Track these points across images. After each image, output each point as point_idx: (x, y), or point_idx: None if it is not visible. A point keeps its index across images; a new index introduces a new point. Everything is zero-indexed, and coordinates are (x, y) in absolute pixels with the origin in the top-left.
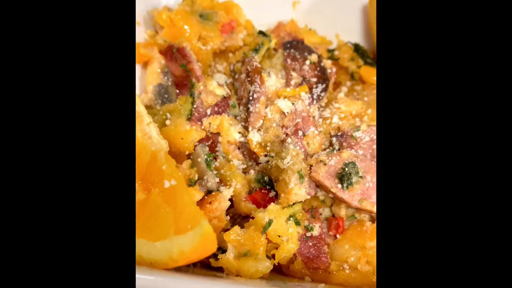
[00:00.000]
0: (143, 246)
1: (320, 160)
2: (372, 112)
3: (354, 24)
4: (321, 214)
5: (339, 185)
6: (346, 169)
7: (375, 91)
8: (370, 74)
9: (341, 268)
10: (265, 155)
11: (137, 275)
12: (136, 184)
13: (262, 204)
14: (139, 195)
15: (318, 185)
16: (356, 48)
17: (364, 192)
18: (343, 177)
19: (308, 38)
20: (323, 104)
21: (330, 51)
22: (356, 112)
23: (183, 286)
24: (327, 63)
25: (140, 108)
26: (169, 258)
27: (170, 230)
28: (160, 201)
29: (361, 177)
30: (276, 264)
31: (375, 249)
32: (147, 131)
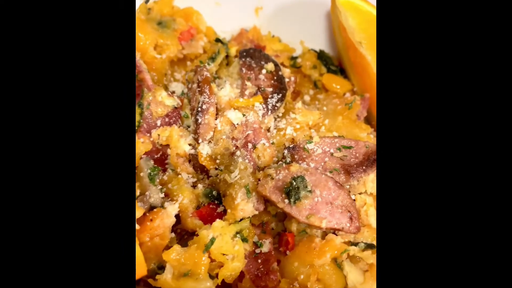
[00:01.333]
0: None
1: (268, 174)
2: (329, 122)
3: (318, 30)
4: (272, 229)
5: (286, 200)
6: (294, 183)
7: (335, 100)
8: (332, 81)
9: (291, 286)
10: (216, 168)
11: None
12: None
13: (209, 220)
14: None
15: (267, 199)
16: (320, 55)
17: (312, 207)
18: (291, 191)
19: (270, 46)
20: (280, 114)
21: (294, 58)
22: (313, 123)
23: None
24: (286, 71)
25: None
26: None
27: None
28: None
29: (310, 191)
30: (220, 284)
31: (326, 266)
32: None
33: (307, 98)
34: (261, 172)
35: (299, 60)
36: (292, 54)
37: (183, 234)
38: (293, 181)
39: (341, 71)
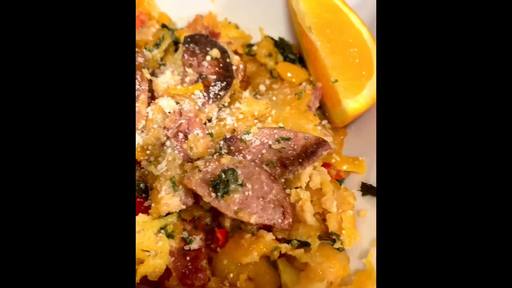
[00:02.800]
0: None
1: (195, 166)
2: (276, 112)
3: (278, 17)
4: (207, 225)
5: (213, 194)
6: (224, 176)
7: (286, 90)
8: (286, 70)
9: (221, 285)
10: (147, 160)
11: None
12: None
13: (136, 214)
14: None
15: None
16: (279, 43)
17: (242, 202)
18: (218, 185)
19: (226, 32)
20: (226, 104)
21: (250, 46)
22: (259, 113)
23: None
24: (235, 59)
25: None
26: None
27: None
28: None
29: (241, 185)
30: (138, 282)
31: (258, 264)
32: None
33: (262, 88)
34: (188, 164)
35: (254, 48)
36: (249, 41)
37: None
38: (223, 174)
39: (301, 60)
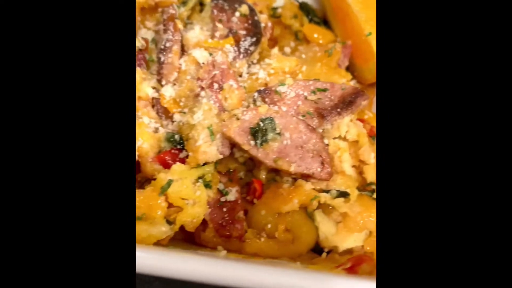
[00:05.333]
0: None
1: (234, 115)
2: (307, 69)
3: None
4: (241, 179)
5: (252, 142)
6: (262, 124)
7: (315, 48)
8: (313, 32)
9: (258, 236)
10: (180, 112)
11: None
12: None
13: (170, 165)
14: None
15: (234, 144)
16: (302, 6)
17: (281, 151)
18: (257, 133)
19: None
20: (254, 61)
21: (274, 9)
22: (290, 69)
23: None
24: (262, 17)
25: None
26: None
27: None
28: None
29: (279, 134)
30: (177, 230)
31: (295, 215)
32: None
33: (287, 49)
34: (226, 113)
35: (279, 11)
36: (273, 4)
37: (142, 182)
38: (261, 122)
39: (324, 23)
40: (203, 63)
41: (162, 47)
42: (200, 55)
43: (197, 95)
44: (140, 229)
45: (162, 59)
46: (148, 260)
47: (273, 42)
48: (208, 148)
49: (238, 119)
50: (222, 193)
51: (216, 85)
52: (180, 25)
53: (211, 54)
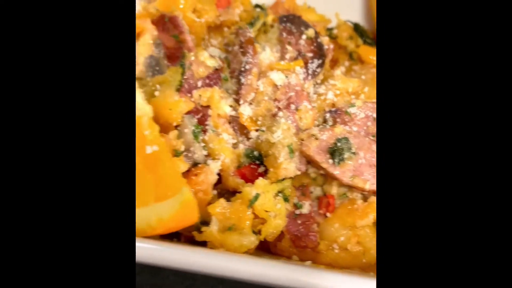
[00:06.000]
0: None
1: (312, 135)
2: (369, 90)
3: (354, 3)
4: (311, 193)
5: (331, 161)
6: (339, 144)
7: (373, 70)
8: (368, 53)
9: (331, 248)
10: (256, 130)
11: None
12: None
13: (250, 179)
14: None
15: (309, 161)
16: (356, 27)
17: (356, 169)
18: (335, 152)
19: (306, 16)
20: (318, 81)
21: (329, 29)
22: (353, 90)
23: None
24: (324, 39)
25: None
26: (148, 226)
27: (150, 197)
28: (141, 167)
29: (354, 153)
30: (263, 240)
31: (366, 229)
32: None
33: (342, 69)
34: (304, 132)
35: (335, 31)
36: (327, 25)
37: (223, 193)
38: (337, 142)
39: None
40: (280, 85)
41: (242, 69)
42: (278, 77)
43: (275, 115)
44: (232, 239)
45: (242, 80)
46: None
47: (333, 62)
48: (288, 165)
49: (316, 138)
50: (296, 206)
51: (292, 106)
52: (258, 49)
53: (286, 77)
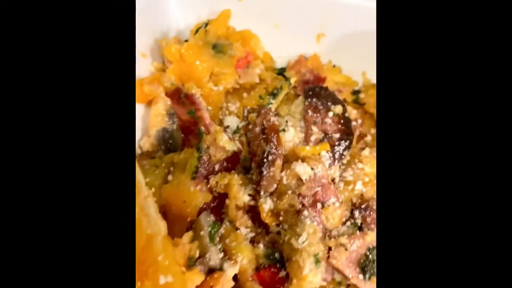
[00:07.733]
0: None
1: (341, 244)
2: None
3: None
4: None
5: (361, 276)
6: (370, 256)
7: None
8: None
9: None
10: (277, 225)
11: None
12: None
13: (270, 285)
14: None
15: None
16: None
17: None
18: (366, 266)
19: (331, 77)
20: (344, 162)
21: (355, 92)
22: None
23: None
24: (352, 113)
25: (138, 177)
26: None
27: None
28: None
29: None
30: None
31: None
32: (144, 206)
33: (368, 138)
34: (332, 240)
35: (362, 96)
36: (354, 87)
37: None
38: (369, 253)
39: None
40: (305, 179)
41: (265, 159)
42: (304, 171)
43: (298, 212)
44: None
45: (264, 172)
46: None
47: (360, 137)
48: (313, 278)
49: (346, 249)
50: None
51: (319, 205)
52: (284, 138)
53: (312, 168)
